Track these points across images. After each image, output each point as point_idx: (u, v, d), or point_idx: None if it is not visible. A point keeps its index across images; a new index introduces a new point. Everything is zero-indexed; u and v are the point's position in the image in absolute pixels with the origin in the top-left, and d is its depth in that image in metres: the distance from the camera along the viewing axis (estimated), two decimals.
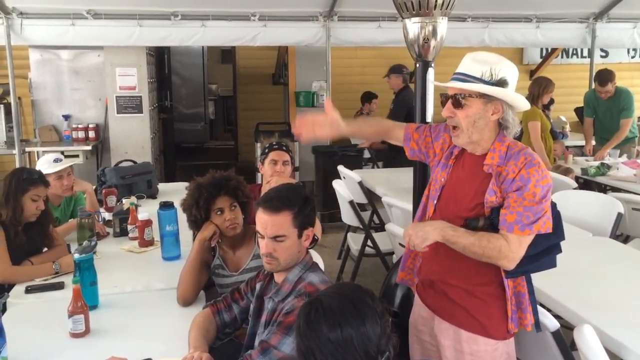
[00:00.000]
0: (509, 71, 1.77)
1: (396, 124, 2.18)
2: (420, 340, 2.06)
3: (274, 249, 1.82)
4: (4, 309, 2.30)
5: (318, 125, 2.00)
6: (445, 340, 1.92)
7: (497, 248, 1.73)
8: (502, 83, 1.75)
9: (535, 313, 1.84)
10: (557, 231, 1.79)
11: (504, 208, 1.74)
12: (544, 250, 1.79)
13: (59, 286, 2.47)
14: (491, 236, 1.74)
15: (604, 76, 5.40)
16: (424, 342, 2.04)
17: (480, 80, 1.74)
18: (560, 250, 1.84)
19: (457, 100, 1.78)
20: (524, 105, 1.79)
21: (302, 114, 2.05)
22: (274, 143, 3.13)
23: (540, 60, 8.77)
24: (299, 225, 1.85)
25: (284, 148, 3.10)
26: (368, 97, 7.39)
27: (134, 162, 4.70)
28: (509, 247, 1.73)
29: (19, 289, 2.46)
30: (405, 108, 5.96)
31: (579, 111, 7.50)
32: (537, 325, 1.84)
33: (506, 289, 1.81)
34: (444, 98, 1.84)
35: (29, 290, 2.44)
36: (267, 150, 3.11)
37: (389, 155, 7.24)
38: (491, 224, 1.77)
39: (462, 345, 1.87)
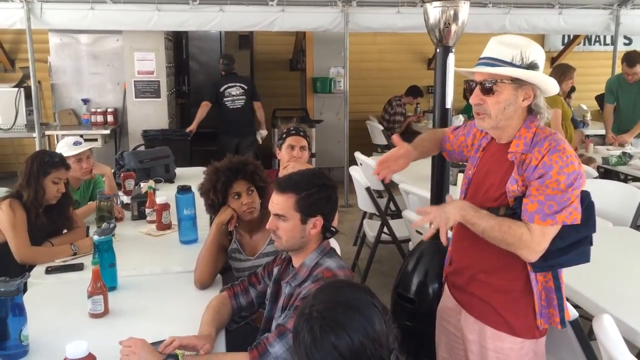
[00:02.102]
0: (539, 54, 1.70)
1: (442, 130, 2.17)
2: (446, 331, 2.03)
3: (277, 226, 1.85)
4: (25, 289, 2.34)
5: (393, 161, 1.99)
6: (470, 335, 1.88)
7: (518, 235, 1.65)
8: (533, 67, 1.67)
9: (561, 310, 1.76)
10: (589, 222, 1.70)
11: (525, 197, 1.67)
12: (573, 244, 1.69)
13: (79, 267, 2.50)
14: (513, 222, 1.67)
15: (632, 57, 5.22)
16: (449, 333, 2.01)
17: (510, 64, 1.66)
18: (591, 243, 1.74)
19: (486, 87, 1.70)
20: (554, 88, 1.72)
21: (381, 158, 2.03)
22: (292, 128, 3.13)
23: (562, 47, 8.65)
24: (302, 210, 1.83)
25: (302, 133, 3.10)
26: (415, 92, 7.32)
27: (152, 146, 4.72)
28: (531, 237, 1.64)
29: (39, 270, 2.50)
30: (209, 89, 6.56)
31: (599, 99, 7.37)
32: (562, 321, 1.76)
33: (534, 284, 1.74)
34: (470, 85, 1.75)
35: (49, 270, 2.48)
36: (284, 136, 3.11)
37: (409, 140, 7.22)
38: (513, 214, 1.70)
39: (486, 341, 1.82)
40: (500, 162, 1.77)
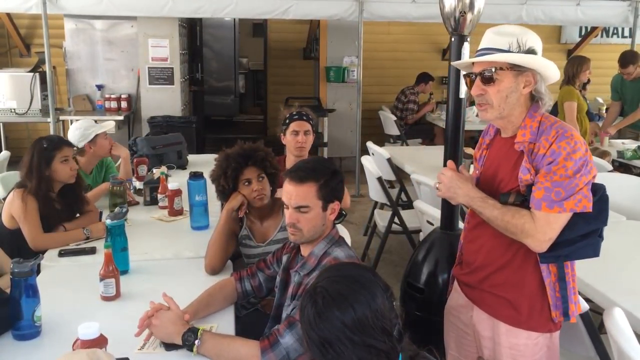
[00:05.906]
0: (536, 41, 1.69)
1: None
2: (455, 327, 2.01)
3: (298, 220, 1.82)
4: (38, 271, 2.36)
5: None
6: (484, 332, 1.85)
7: (520, 225, 1.64)
8: (531, 52, 1.66)
9: (564, 302, 1.72)
10: (601, 216, 1.66)
11: (534, 184, 1.65)
12: (583, 235, 1.65)
13: (91, 251, 2.53)
14: (517, 212, 1.66)
15: (625, 58, 5.28)
16: (459, 330, 1.98)
17: (508, 51, 1.66)
18: (601, 238, 1.70)
19: (486, 76, 1.69)
20: (555, 74, 1.70)
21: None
22: (295, 113, 3.05)
23: (579, 39, 8.52)
24: (324, 197, 1.84)
25: (305, 117, 3.04)
26: (426, 78, 7.28)
27: (165, 133, 4.74)
28: (534, 226, 1.62)
29: (52, 252, 2.53)
30: None
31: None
32: (565, 314, 1.73)
33: (545, 276, 1.71)
34: (470, 77, 1.76)
35: (62, 253, 2.51)
36: (287, 121, 3.06)
37: (422, 131, 7.20)
38: (524, 201, 1.68)
39: (500, 338, 1.80)
40: (508, 156, 1.76)
